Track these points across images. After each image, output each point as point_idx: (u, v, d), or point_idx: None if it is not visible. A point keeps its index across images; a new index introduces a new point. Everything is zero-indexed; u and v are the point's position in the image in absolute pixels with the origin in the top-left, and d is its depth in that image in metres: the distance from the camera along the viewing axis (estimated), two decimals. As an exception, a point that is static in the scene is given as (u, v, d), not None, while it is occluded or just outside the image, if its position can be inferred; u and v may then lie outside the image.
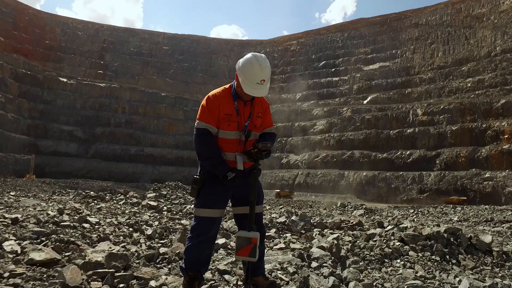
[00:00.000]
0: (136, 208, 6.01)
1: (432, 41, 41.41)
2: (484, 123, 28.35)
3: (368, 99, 41.07)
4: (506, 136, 26.54)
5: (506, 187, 24.06)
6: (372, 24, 50.83)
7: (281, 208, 10.50)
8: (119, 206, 5.95)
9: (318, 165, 34.46)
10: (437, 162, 28.73)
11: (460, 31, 40.06)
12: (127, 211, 5.34)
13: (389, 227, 3.40)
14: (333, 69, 48.10)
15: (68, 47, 48.49)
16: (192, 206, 4.29)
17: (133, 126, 39.85)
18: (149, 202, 6.52)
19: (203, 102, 2.22)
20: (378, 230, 3.35)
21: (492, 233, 5.18)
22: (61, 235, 3.00)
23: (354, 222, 4.65)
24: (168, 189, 10.65)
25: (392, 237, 3.05)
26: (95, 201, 6.53)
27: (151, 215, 5.23)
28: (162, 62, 51.63)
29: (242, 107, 2.25)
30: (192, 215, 3.79)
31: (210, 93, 2.26)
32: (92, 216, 4.37)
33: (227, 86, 2.32)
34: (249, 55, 2.19)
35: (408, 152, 30.58)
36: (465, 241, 2.95)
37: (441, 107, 31.41)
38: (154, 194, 8.36)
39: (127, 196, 7.71)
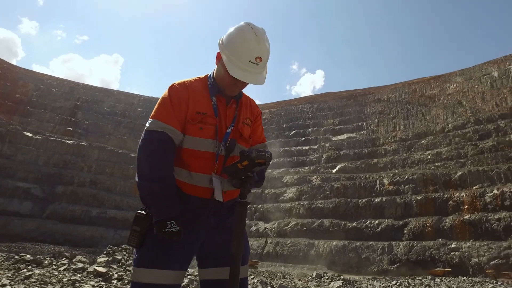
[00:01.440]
0: (79, 275, 5.26)
1: (393, 115, 44.77)
2: (445, 193, 29.51)
3: (337, 168, 42.22)
4: (466, 206, 27.57)
5: (471, 258, 24.20)
6: (340, 98, 54.68)
7: (253, 279, 9.71)
8: (57, 273, 5.16)
9: (288, 233, 33.58)
10: (405, 231, 28.87)
11: (417, 108, 43.86)
12: (65, 279, 4.56)
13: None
14: (303, 138, 49.93)
15: (40, 103, 47.76)
16: None
17: (97, 186, 37.91)
18: (97, 268, 5.77)
19: (165, 93, 1.49)
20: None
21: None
22: None
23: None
24: (124, 253, 9.61)
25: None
26: (29, 267, 5.65)
27: (96, 285, 4.53)
28: (135, 123, 51.72)
29: (224, 106, 1.54)
30: None
31: (176, 82, 1.53)
32: (9, 286, 3.61)
33: (201, 75, 1.61)
34: (241, 23, 1.48)
35: (376, 221, 30.70)
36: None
37: (406, 177, 32.68)
38: (106, 258, 7.47)
39: (73, 260, 6.82)
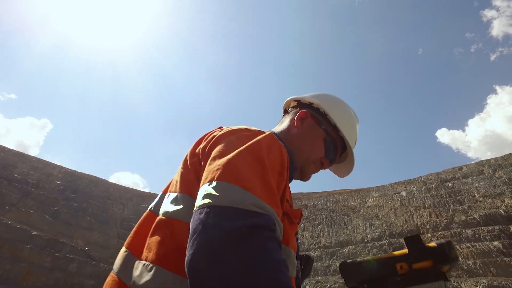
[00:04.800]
0: None
1: (318, 222, 46.73)
2: (364, 307, 29.71)
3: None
4: (384, 323, 27.70)
5: None
6: (270, 199, 56.24)
7: None
8: None
9: None
10: None
11: (340, 217, 46.75)
12: None
13: None
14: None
15: None
16: None
17: (-27, 269, 30.53)
18: None
19: (263, 147, 0.75)
20: None
21: None
22: None
23: None
24: None
25: None
26: None
27: None
28: (47, 196, 45.65)
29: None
30: None
31: (270, 135, 0.81)
32: None
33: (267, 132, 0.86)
34: (334, 96, 1.15)
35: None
36: None
37: (328, 285, 32.59)
38: None
39: None
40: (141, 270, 0.73)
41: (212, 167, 0.70)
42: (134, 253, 0.79)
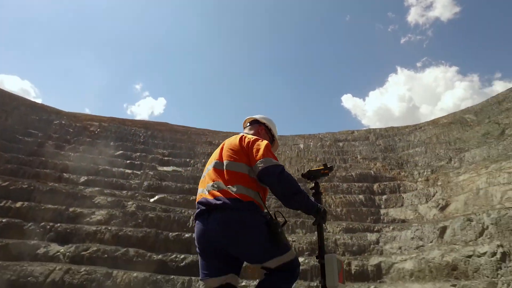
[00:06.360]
0: None
1: (219, 160, 48.66)
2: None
3: (156, 198, 41.04)
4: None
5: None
6: (175, 131, 55.09)
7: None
8: None
9: (85, 260, 29.30)
10: (206, 269, 30.35)
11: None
12: None
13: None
14: (128, 161, 46.67)
15: None
16: None
17: None
18: None
19: (268, 144, 2.06)
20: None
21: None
22: None
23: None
24: None
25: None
26: None
27: None
28: None
29: None
30: None
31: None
32: None
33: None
34: (270, 118, 2.50)
35: (182, 256, 31.10)
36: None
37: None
38: None
39: None
40: (235, 187, 1.86)
41: (260, 153, 1.93)
42: (223, 182, 1.90)
